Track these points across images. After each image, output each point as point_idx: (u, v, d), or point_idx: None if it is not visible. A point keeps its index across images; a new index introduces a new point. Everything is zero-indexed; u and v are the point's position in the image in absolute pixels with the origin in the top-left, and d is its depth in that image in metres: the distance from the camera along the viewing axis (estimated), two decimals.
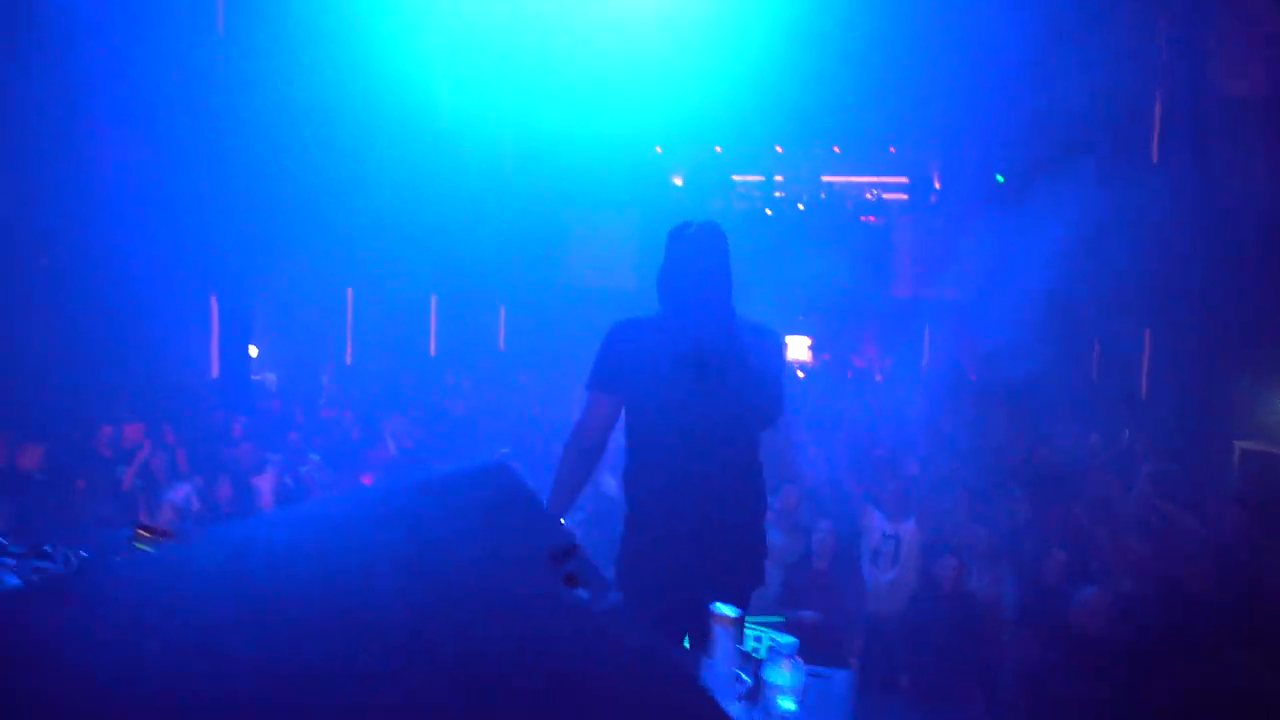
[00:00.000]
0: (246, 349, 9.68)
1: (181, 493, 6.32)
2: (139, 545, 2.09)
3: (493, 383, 11.07)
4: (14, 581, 1.85)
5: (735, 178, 14.66)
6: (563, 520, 2.84)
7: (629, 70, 10.63)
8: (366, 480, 6.93)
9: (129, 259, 7.80)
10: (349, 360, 12.32)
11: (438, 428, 8.64)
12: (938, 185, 13.90)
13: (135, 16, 8.05)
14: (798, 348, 14.61)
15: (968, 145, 12.39)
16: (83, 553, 2.07)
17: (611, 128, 11.94)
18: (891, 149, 14.08)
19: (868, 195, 14.38)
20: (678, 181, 14.77)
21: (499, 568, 1.54)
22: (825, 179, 14.48)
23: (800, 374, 12.84)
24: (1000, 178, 12.43)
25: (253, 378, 10.11)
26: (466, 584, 1.45)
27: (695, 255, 2.84)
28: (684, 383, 2.76)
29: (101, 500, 6.38)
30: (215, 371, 9.88)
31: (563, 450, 2.98)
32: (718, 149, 14.31)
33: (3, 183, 7.70)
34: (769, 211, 14.36)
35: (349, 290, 12.21)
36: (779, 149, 14.38)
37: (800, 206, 14.40)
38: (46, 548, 2.06)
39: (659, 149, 14.34)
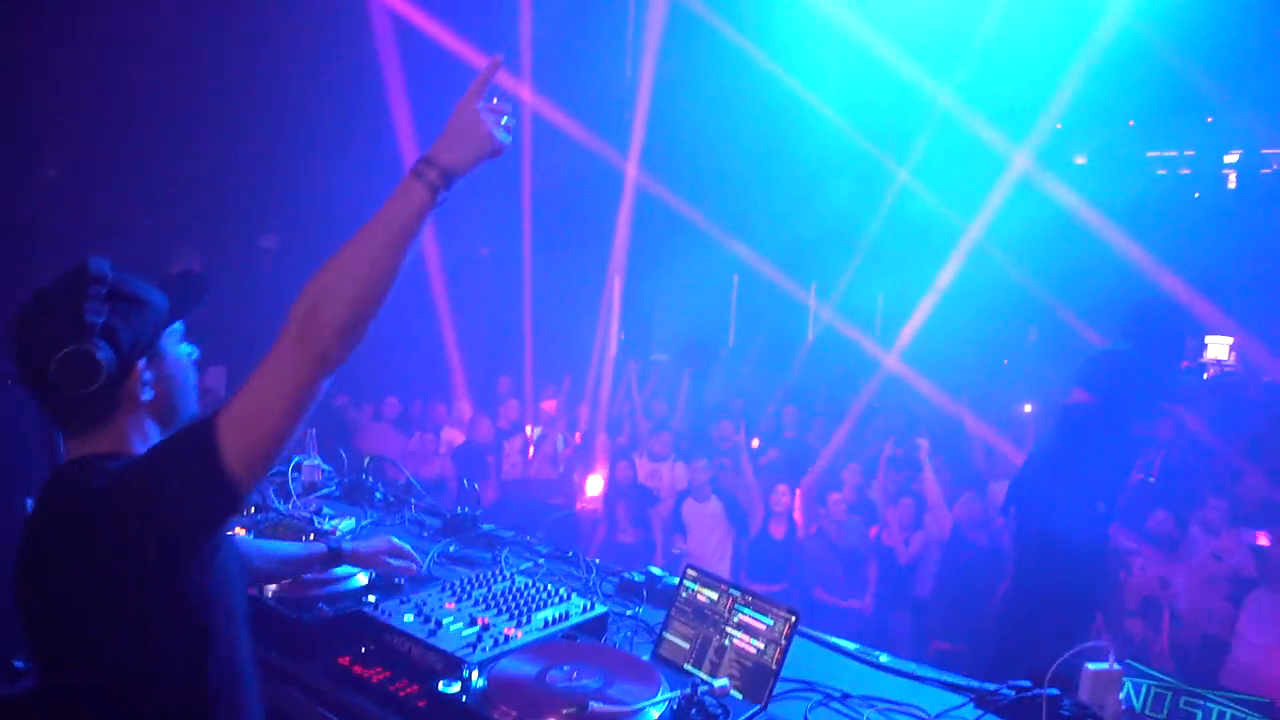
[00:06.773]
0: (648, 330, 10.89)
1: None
2: None
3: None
4: None
5: (1151, 154, 13.07)
6: None
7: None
8: None
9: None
10: (730, 342, 13.17)
11: None
12: None
13: None
14: (1218, 348, 12.65)
15: None
16: None
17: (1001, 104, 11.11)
18: None
19: None
20: (1080, 160, 13.50)
21: None
22: (1266, 151, 12.40)
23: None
24: None
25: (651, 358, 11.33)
26: None
27: None
28: None
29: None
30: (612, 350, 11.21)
31: None
32: (1131, 123, 12.84)
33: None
34: (1197, 195, 12.71)
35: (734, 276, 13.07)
36: (1209, 119, 12.54)
37: (1231, 185, 12.49)
38: None
39: (1059, 125, 13.14)
